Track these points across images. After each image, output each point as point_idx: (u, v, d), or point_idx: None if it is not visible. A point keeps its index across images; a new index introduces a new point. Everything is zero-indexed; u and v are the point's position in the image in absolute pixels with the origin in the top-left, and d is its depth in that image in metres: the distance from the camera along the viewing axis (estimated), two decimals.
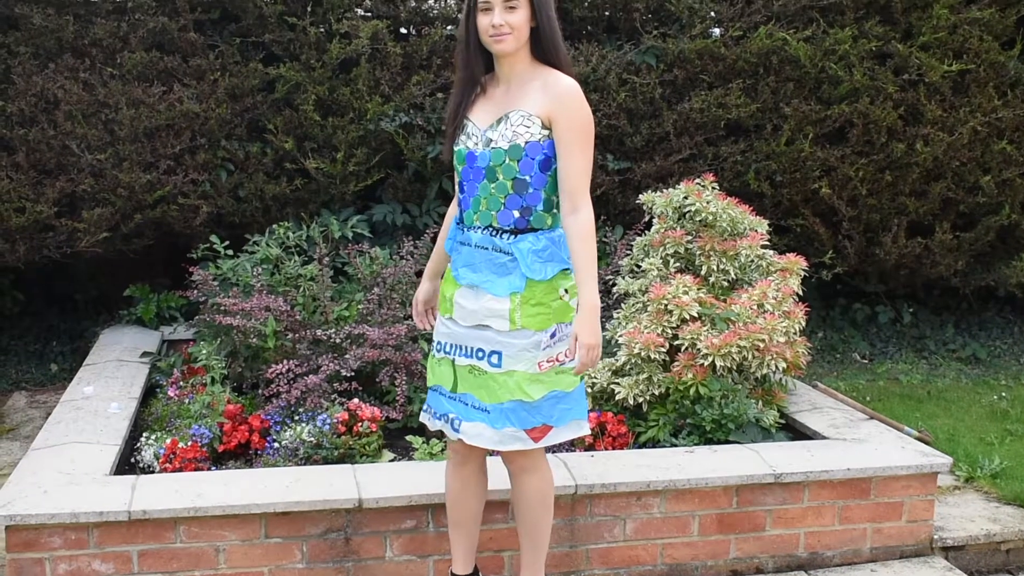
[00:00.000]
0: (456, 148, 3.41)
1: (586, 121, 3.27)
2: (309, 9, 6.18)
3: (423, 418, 3.64)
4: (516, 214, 3.33)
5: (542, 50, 3.32)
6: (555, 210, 3.38)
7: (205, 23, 6.30)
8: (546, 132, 3.28)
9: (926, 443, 4.77)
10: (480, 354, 3.39)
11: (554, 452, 4.51)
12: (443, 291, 3.54)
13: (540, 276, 3.33)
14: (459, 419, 3.43)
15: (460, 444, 3.50)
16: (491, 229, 3.37)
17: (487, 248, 3.37)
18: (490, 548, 4.07)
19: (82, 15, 6.05)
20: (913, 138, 6.75)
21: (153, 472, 4.38)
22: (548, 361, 3.38)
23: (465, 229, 3.44)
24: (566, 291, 3.38)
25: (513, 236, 3.34)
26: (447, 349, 3.48)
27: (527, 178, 3.30)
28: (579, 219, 3.24)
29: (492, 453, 3.58)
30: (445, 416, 3.49)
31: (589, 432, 3.62)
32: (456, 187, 3.47)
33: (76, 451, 4.32)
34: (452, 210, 3.62)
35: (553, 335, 3.37)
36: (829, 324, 7.73)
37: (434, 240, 4.31)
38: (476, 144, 3.34)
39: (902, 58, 6.68)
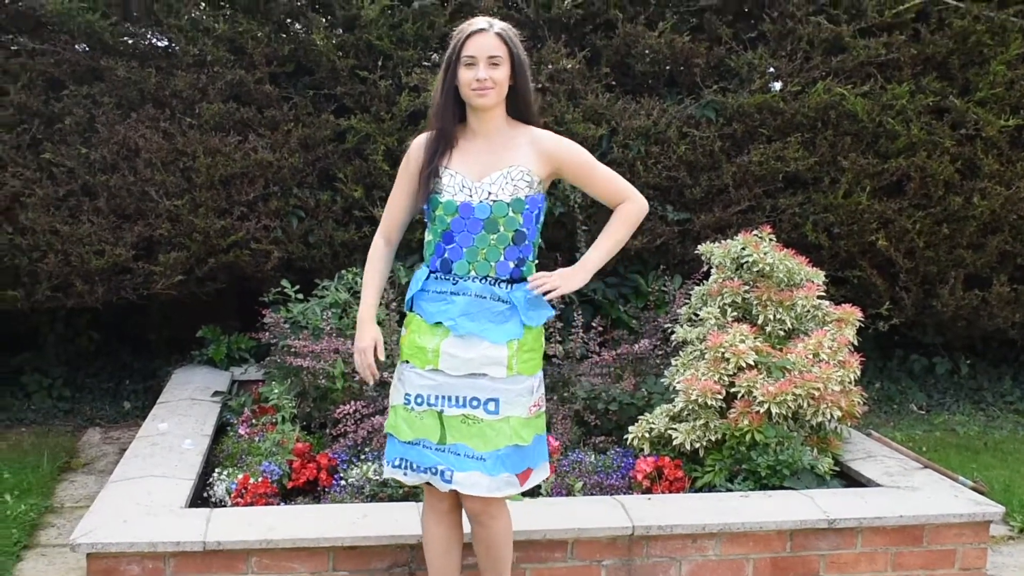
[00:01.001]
0: (443, 199, 3.42)
1: (581, 149, 3.58)
2: (379, 63, 6.38)
3: (392, 474, 3.60)
4: (512, 264, 3.45)
5: (517, 108, 3.50)
6: (536, 261, 3.56)
7: (280, 76, 6.51)
8: (539, 187, 3.46)
9: (981, 493, 4.82)
10: (475, 403, 3.44)
11: (611, 495, 4.64)
12: (418, 343, 3.51)
13: (535, 323, 3.48)
14: (450, 470, 3.44)
15: (445, 495, 3.55)
16: (489, 279, 3.45)
17: (486, 297, 3.44)
18: None
19: (163, 67, 6.29)
20: (970, 192, 6.82)
21: (225, 506, 4.55)
22: (535, 405, 3.51)
23: (456, 279, 3.46)
24: (542, 338, 3.57)
25: (509, 285, 3.46)
26: (431, 401, 3.47)
27: (526, 230, 3.45)
28: (630, 205, 3.57)
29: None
30: (432, 468, 3.46)
31: (549, 473, 3.70)
32: (434, 237, 3.48)
33: (152, 484, 4.50)
34: (383, 248, 3.64)
35: (539, 380, 3.55)
36: (886, 375, 7.76)
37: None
38: (471, 196, 3.42)
39: (959, 113, 6.76)
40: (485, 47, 3.36)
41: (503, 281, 3.46)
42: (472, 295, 3.45)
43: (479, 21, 3.42)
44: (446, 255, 3.46)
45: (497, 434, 3.43)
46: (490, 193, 3.41)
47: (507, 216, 3.40)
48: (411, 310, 3.59)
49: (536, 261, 3.58)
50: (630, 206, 3.57)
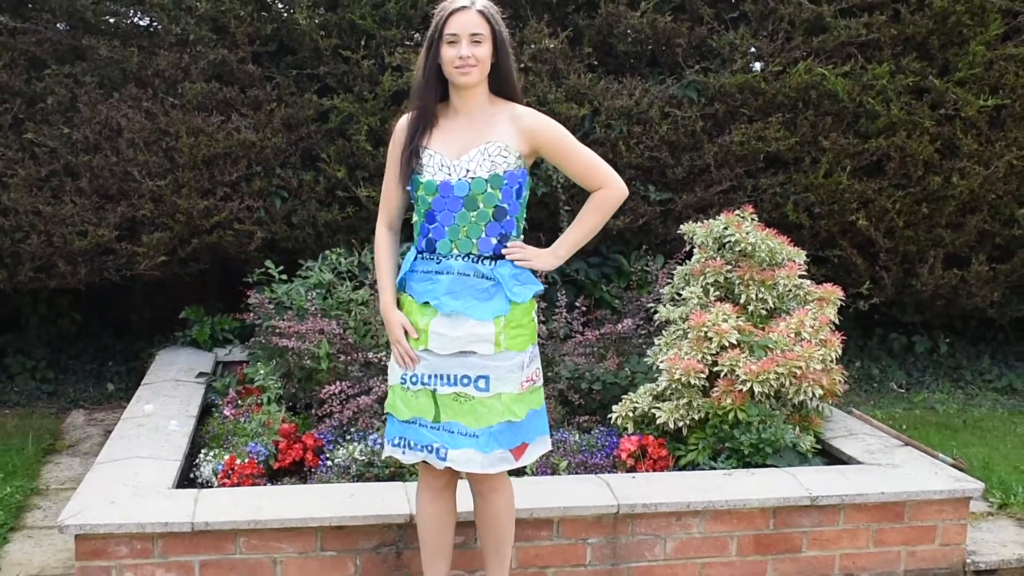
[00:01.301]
0: (423, 179, 3.45)
1: (562, 130, 3.54)
2: (362, 43, 6.37)
3: (392, 453, 3.64)
4: (494, 241, 3.46)
5: (499, 85, 3.50)
6: (522, 236, 3.57)
7: (262, 55, 6.50)
8: (519, 162, 3.45)
9: (961, 470, 4.88)
10: (465, 380, 3.47)
11: (596, 473, 4.68)
12: (412, 323, 3.55)
13: (521, 299, 3.48)
14: (445, 448, 3.47)
15: (441, 473, 3.57)
16: (471, 256, 3.46)
17: (469, 275, 3.46)
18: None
19: (146, 47, 6.27)
20: (949, 171, 6.87)
21: (212, 487, 4.56)
22: (527, 380, 3.53)
23: (440, 258, 3.48)
24: (536, 313, 3.61)
25: (492, 262, 3.47)
26: (425, 380, 3.51)
27: (506, 206, 3.45)
28: (605, 192, 3.57)
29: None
30: (428, 447, 3.50)
31: (550, 446, 3.73)
32: (419, 216, 3.51)
33: (139, 465, 4.52)
34: (387, 236, 3.69)
35: (530, 355, 3.54)
36: (867, 354, 7.83)
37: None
38: (449, 174, 3.43)
39: (939, 93, 6.80)
40: (467, 24, 3.36)
41: (486, 258, 3.47)
42: (455, 273, 3.46)
43: None
44: (430, 235, 3.48)
45: (489, 411, 3.46)
46: (468, 170, 3.42)
47: (485, 192, 3.41)
48: (402, 291, 3.61)
49: (522, 237, 3.59)
50: (606, 192, 3.57)
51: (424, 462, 3.57)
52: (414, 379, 3.53)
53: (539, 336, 5.42)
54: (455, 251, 3.46)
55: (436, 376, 3.50)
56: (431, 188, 3.44)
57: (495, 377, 3.46)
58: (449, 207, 3.43)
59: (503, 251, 3.47)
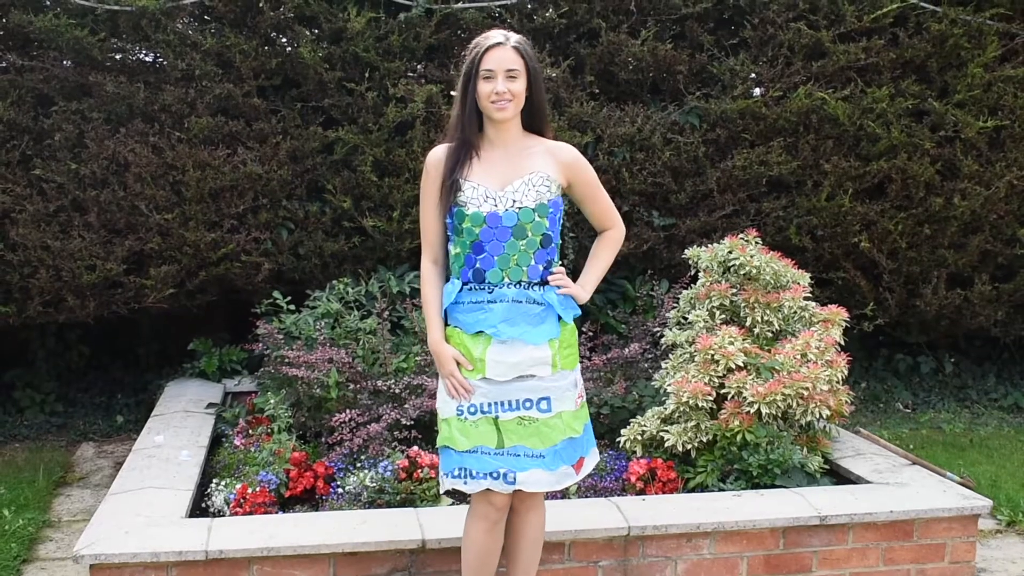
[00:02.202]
0: (469, 211, 3.50)
1: (593, 170, 3.74)
2: (366, 75, 6.44)
3: (452, 485, 3.59)
4: (542, 267, 3.56)
5: (532, 118, 3.59)
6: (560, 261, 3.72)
7: (268, 89, 6.57)
8: (559, 191, 3.58)
9: (968, 488, 4.89)
10: (528, 404, 3.54)
11: (606, 497, 4.70)
12: (462, 352, 3.58)
13: (570, 319, 3.62)
14: (512, 472, 3.51)
15: (501, 500, 3.59)
16: (522, 283, 3.54)
17: (522, 302, 3.54)
18: None
19: (152, 82, 6.34)
20: (951, 192, 6.92)
21: (223, 516, 4.59)
22: (579, 396, 3.67)
23: (491, 288, 3.54)
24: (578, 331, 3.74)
25: (541, 287, 3.57)
26: (484, 408, 3.55)
27: (552, 233, 3.57)
28: (615, 233, 3.83)
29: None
30: (493, 473, 3.52)
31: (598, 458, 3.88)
32: (462, 248, 3.55)
33: (152, 496, 4.54)
34: (433, 270, 3.69)
35: (579, 372, 3.71)
36: (872, 375, 7.86)
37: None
38: (496, 205, 3.50)
39: (938, 115, 6.86)
40: (503, 60, 3.44)
41: (535, 284, 3.56)
42: (509, 301, 3.54)
43: (496, 35, 3.49)
44: (477, 265, 3.54)
45: (552, 430, 3.56)
46: (515, 201, 3.50)
47: (534, 221, 3.51)
48: (447, 324, 3.65)
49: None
50: (617, 233, 3.82)
51: (482, 493, 3.57)
52: (472, 409, 3.56)
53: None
54: (506, 279, 3.54)
55: (496, 404, 3.55)
56: (478, 219, 3.50)
57: (555, 397, 3.57)
58: (498, 237, 3.51)
59: (550, 278, 3.59)
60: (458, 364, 3.58)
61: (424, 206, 3.67)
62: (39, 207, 6.17)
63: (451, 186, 3.54)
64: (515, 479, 3.52)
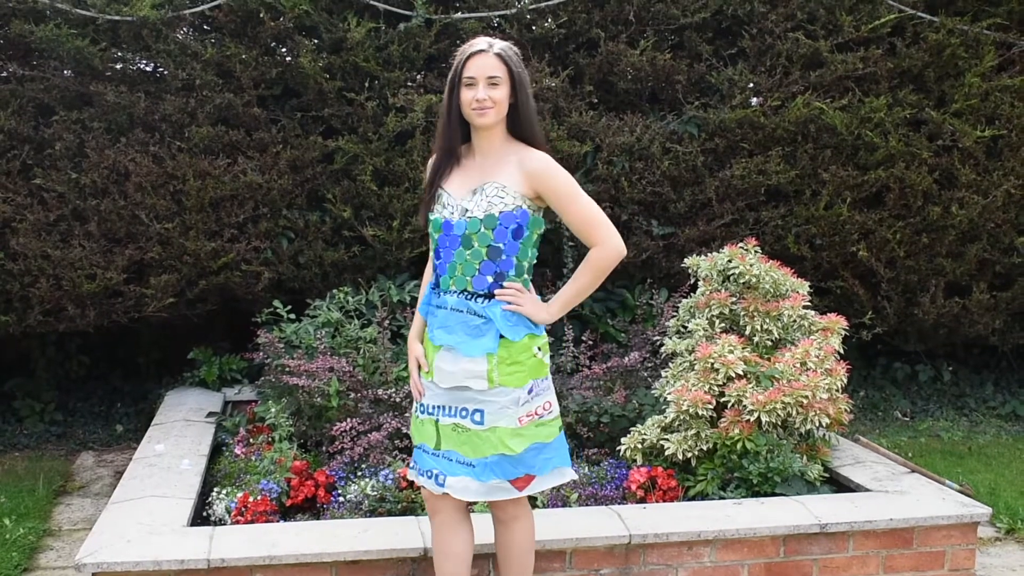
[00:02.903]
0: (432, 217, 3.59)
1: (567, 179, 3.53)
2: (367, 85, 6.46)
3: (410, 475, 3.79)
4: (490, 279, 3.53)
5: (518, 126, 3.56)
6: (526, 275, 3.62)
7: (268, 99, 6.58)
8: (520, 203, 3.49)
9: (967, 496, 4.91)
10: (463, 413, 3.56)
11: (607, 504, 4.71)
12: (427, 355, 3.68)
13: (514, 337, 3.53)
14: (443, 475, 3.57)
15: (439, 498, 3.64)
16: (466, 293, 3.55)
17: (462, 311, 3.55)
18: None
19: (152, 92, 6.35)
20: (949, 201, 6.94)
21: (225, 524, 4.59)
22: (527, 415, 3.56)
23: (440, 293, 3.61)
24: (539, 349, 3.60)
25: (487, 300, 3.54)
26: (430, 410, 3.63)
27: (501, 245, 3.51)
28: (598, 252, 3.55)
29: (470, 507, 3.80)
30: (429, 472, 3.61)
31: (575, 477, 3.80)
32: (432, 253, 3.65)
33: (153, 504, 4.55)
34: (427, 276, 3.80)
35: (531, 391, 3.57)
36: (871, 383, 7.87)
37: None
38: (452, 213, 3.54)
39: (936, 124, 6.89)
40: (484, 67, 3.45)
41: (480, 296, 3.54)
42: (449, 308, 3.57)
43: (480, 42, 3.51)
44: (437, 270, 3.63)
45: (483, 443, 3.54)
46: (467, 210, 3.51)
47: (479, 232, 3.49)
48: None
49: (527, 278, 3.65)
50: (599, 253, 3.56)
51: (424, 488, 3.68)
52: (422, 408, 3.68)
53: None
54: (452, 287, 3.57)
55: (439, 407, 3.62)
56: (436, 226, 3.58)
57: (489, 412, 3.53)
58: (450, 245, 3.55)
59: (496, 292, 3.54)
60: (420, 366, 3.69)
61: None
62: (39, 216, 6.17)
63: (432, 192, 3.61)
64: (444, 482, 3.57)
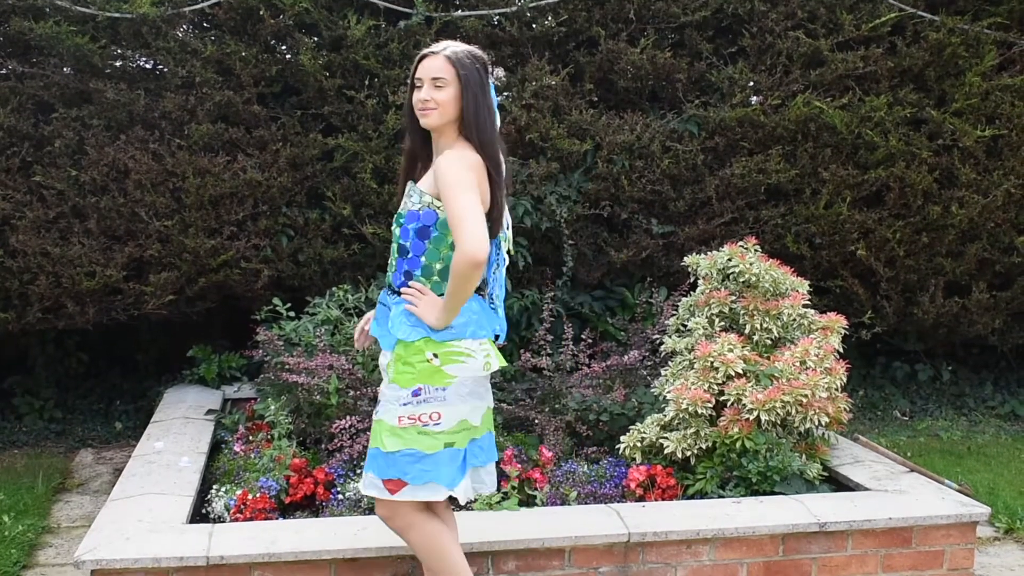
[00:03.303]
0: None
1: (452, 179, 3.35)
2: (366, 82, 6.46)
3: None
4: (402, 277, 3.59)
5: (466, 128, 3.52)
6: (436, 277, 3.54)
7: (268, 96, 6.58)
8: (426, 202, 3.49)
9: (966, 495, 4.91)
10: (377, 401, 3.68)
11: (606, 503, 4.71)
12: None
13: (404, 337, 3.50)
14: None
15: None
16: (388, 288, 3.67)
17: (385, 304, 3.66)
18: None
19: (152, 89, 6.35)
20: (948, 201, 6.94)
21: (224, 522, 4.59)
22: (409, 418, 3.50)
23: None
24: (435, 355, 3.49)
25: (396, 296, 3.60)
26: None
27: (407, 244, 3.55)
28: (455, 257, 3.31)
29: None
30: None
31: (445, 498, 3.62)
32: None
33: (152, 501, 4.55)
34: None
35: (416, 393, 3.50)
36: (870, 382, 7.87)
37: None
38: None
39: (936, 124, 6.89)
40: (430, 69, 3.49)
41: (395, 292, 3.62)
42: (378, 302, 3.72)
43: (436, 45, 3.56)
44: None
45: (373, 433, 3.64)
46: (399, 209, 3.62)
47: (396, 230, 3.60)
48: None
49: (439, 279, 3.54)
50: (455, 255, 3.34)
51: None
52: None
53: (546, 369, 5.48)
54: (386, 281, 3.71)
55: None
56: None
57: (381, 403, 3.61)
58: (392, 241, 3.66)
59: (402, 289, 3.57)
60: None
61: None
62: (39, 213, 6.17)
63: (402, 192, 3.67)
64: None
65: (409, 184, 3.60)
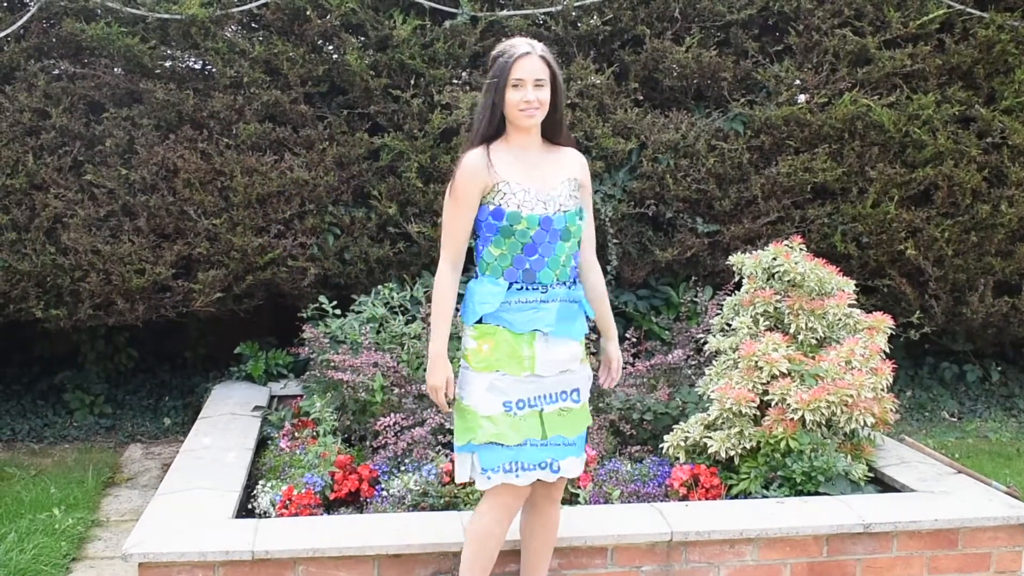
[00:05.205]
0: (524, 214, 3.57)
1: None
2: (412, 82, 6.48)
3: (503, 479, 3.64)
4: (574, 266, 3.76)
5: (554, 125, 3.70)
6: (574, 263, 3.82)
7: (315, 96, 6.63)
8: (578, 196, 3.75)
9: (1014, 497, 4.86)
10: (564, 396, 3.75)
11: (649, 502, 4.71)
12: (508, 353, 3.64)
13: (592, 315, 3.88)
14: (556, 460, 3.70)
15: (525, 491, 3.71)
16: (567, 283, 3.72)
17: (568, 301, 3.72)
18: None
19: (201, 89, 6.42)
20: (998, 199, 6.87)
21: (269, 517, 4.64)
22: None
23: (546, 288, 3.66)
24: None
25: (576, 286, 3.78)
26: (532, 403, 3.68)
27: (581, 235, 3.75)
28: (599, 267, 4.00)
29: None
30: (542, 463, 3.68)
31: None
32: (516, 251, 3.61)
33: (199, 496, 4.61)
34: (454, 280, 3.70)
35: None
36: (918, 383, 7.80)
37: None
38: (547, 208, 3.62)
39: (985, 122, 6.81)
40: (533, 70, 3.55)
41: (573, 283, 3.76)
42: (560, 300, 3.70)
43: (522, 44, 3.58)
44: (527, 266, 3.64)
45: (579, 419, 3.81)
46: (560, 205, 3.65)
47: (576, 224, 3.68)
48: (480, 322, 3.68)
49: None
50: (601, 275, 4.00)
51: (505, 487, 3.66)
52: (520, 404, 3.67)
53: (592, 368, 5.50)
54: (556, 280, 3.69)
55: (542, 396, 3.71)
56: (534, 222, 3.59)
57: (582, 388, 3.83)
58: (550, 240, 3.63)
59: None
60: (500, 364, 3.66)
61: (460, 210, 3.65)
62: (90, 212, 6.26)
63: (493, 188, 3.60)
64: (559, 467, 3.71)
65: (569, 180, 3.70)
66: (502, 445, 3.63)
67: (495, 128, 3.64)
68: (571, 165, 3.74)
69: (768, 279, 5.49)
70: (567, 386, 3.74)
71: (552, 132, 3.71)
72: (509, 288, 3.65)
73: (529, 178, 3.63)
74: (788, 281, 5.40)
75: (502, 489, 3.67)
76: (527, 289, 3.65)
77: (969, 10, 6.80)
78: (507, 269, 3.64)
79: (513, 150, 3.66)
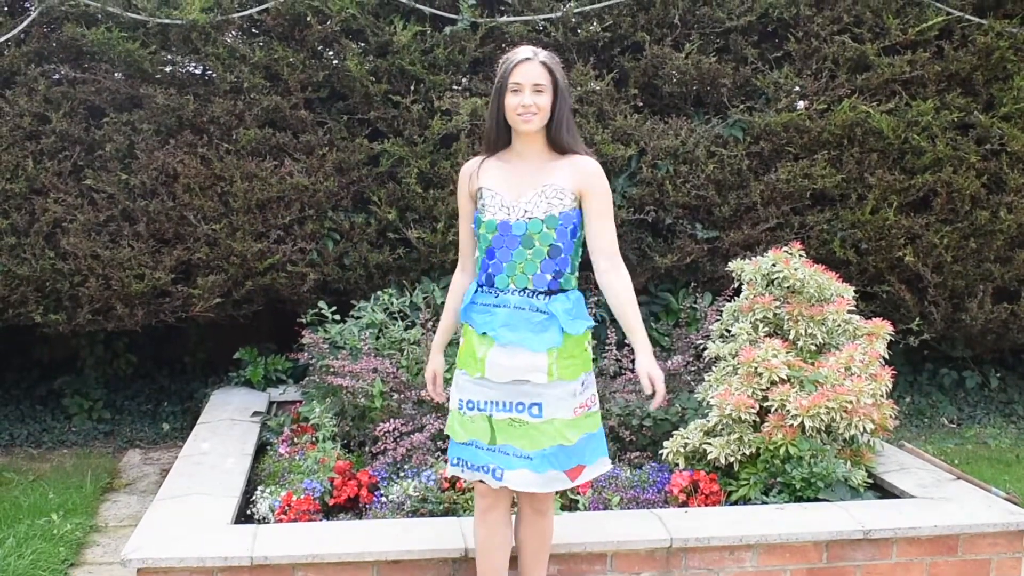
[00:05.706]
0: (485, 218, 3.67)
1: (610, 194, 3.74)
2: (412, 88, 6.48)
3: (453, 471, 3.84)
4: (549, 277, 3.66)
5: (558, 132, 3.66)
6: (576, 273, 3.77)
7: (315, 101, 6.62)
8: (574, 204, 3.66)
9: (1014, 504, 4.86)
10: (520, 407, 3.66)
11: (649, 508, 4.71)
12: (469, 352, 3.74)
13: (575, 331, 3.67)
14: (500, 469, 3.66)
15: (490, 492, 3.74)
16: (527, 291, 3.66)
17: (524, 309, 3.66)
18: None
19: (201, 94, 6.42)
20: (997, 206, 6.87)
21: (268, 523, 4.64)
22: (580, 407, 3.72)
23: (498, 292, 3.68)
24: (588, 342, 3.78)
25: (547, 297, 3.66)
26: (481, 406, 3.70)
27: (560, 244, 3.65)
28: (622, 275, 3.70)
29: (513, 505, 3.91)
30: (484, 467, 3.69)
31: (611, 466, 4.01)
32: (480, 253, 3.73)
33: (198, 502, 4.61)
34: (460, 280, 3.93)
35: (583, 383, 3.74)
36: (917, 389, 7.80)
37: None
38: (509, 214, 3.63)
39: (984, 128, 6.82)
40: (531, 75, 3.57)
41: (541, 293, 3.66)
42: (511, 307, 3.66)
43: (525, 50, 3.64)
44: (489, 270, 3.69)
45: (542, 435, 3.65)
46: (526, 211, 3.62)
47: (541, 232, 3.62)
48: (464, 321, 3.79)
49: (576, 274, 3.78)
50: (624, 280, 3.70)
51: (478, 483, 3.77)
52: (471, 404, 3.72)
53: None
54: (512, 286, 3.66)
55: (492, 402, 3.69)
56: (492, 227, 3.64)
57: (547, 404, 3.65)
58: (507, 245, 3.64)
59: (550, 289, 3.66)
60: (463, 363, 3.77)
61: (460, 215, 3.87)
62: (90, 217, 6.27)
63: (476, 194, 3.72)
64: (502, 476, 3.66)
65: (548, 186, 3.63)
66: (453, 440, 3.79)
67: (500, 135, 3.69)
68: (561, 173, 3.65)
69: (767, 285, 5.50)
70: (523, 398, 3.65)
71: (556, 139, 3.68)
72: (477, 290, 3.75)
73: (506, 185, 3.67)
74: (787, 287, 5.40)
75: (476, 487, 3.80)
76: (486, 292, 3.72)
77: (968, 17, 6.81)
78: (479, 272, 3.75)
79: (512, 159, 3.71)
